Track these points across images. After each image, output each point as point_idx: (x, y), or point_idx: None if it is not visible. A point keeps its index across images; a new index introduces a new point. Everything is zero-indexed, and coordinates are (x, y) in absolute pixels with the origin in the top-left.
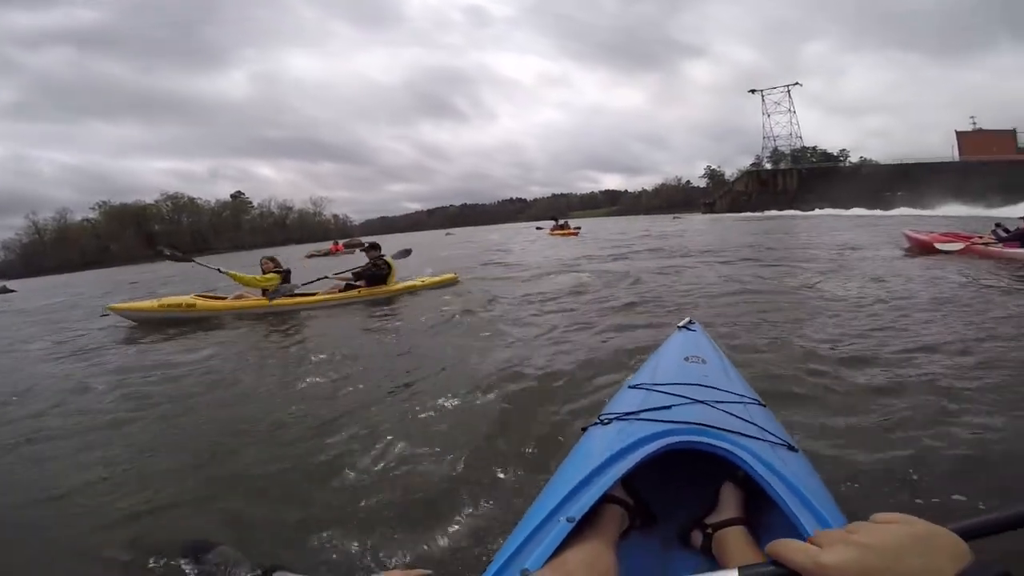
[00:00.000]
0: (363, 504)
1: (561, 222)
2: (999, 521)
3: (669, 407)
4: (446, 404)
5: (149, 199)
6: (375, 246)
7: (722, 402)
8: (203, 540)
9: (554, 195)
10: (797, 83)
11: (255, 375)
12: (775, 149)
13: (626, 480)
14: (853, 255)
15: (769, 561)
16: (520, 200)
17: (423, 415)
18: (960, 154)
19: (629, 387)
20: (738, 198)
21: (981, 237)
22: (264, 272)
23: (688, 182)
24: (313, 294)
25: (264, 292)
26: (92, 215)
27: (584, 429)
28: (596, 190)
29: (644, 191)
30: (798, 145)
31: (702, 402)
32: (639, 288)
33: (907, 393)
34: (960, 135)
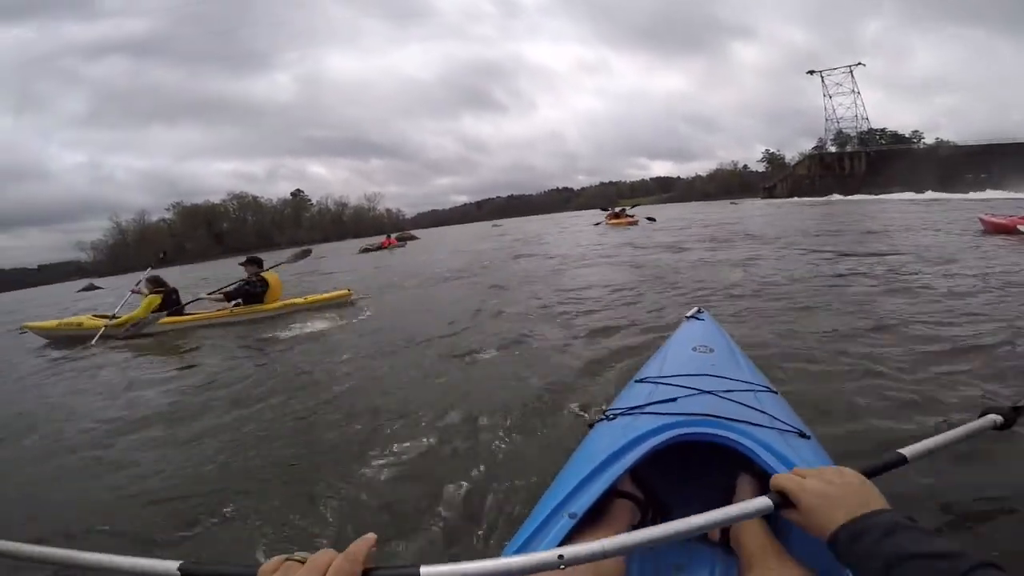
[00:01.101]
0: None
1: (617, 209)
2: (885, 463)
3: (675, 399)
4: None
5: (216, 199)
6: (254, 260)
7: (731, 391)
8: None
9: (602, 183)
10: (860, 63)
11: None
12: (839, 131)
13: (636, 474)
14: (924, 239)
15: (772, 490)
16: (567, 189)
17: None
18: None
19: (636, 381)
20: (800, 182)
21: None
22: (149, 293)
23: (745, 166)
24: (191, 315)
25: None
26: (168, 215)
27: (591, 425)
28: (646, 177)
29: (698, 176)
30: (864, 127)
31: (709, 392)
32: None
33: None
34: None
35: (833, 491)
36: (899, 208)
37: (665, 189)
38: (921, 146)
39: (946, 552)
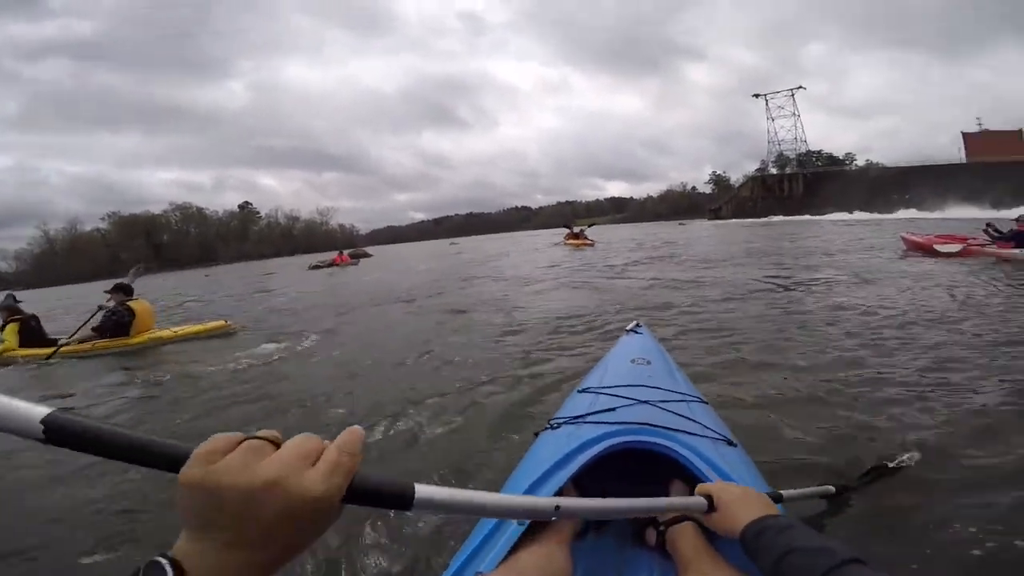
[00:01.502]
0: None
1: (577, 230)
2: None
3: (614, 409)
4: None
5: (157, 209)
6: (121, 288)
7: (666, 401)
8: None
9: (559, 203)
10: (801, 87)
11: None
12: (780, 154)
13: (579, 482)
14: (850, 259)
15: (700, 495)
16: (526, 208)
17: None
18: (967, 155)
19: (578, 391)
20: (744, 204)
21: (976, 239)
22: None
23: (694, 188)
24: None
25: None
26: (102, 225)
27: (536, 434)
28: (601, 197)
29: (650, 197)
30: (803, 149)
31: (646, 402)
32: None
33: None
34: (966, 136)
35: (743, 497)
36: (832, 228)
37: (619, 209)
38: (853, 168)
39: (825, 547)
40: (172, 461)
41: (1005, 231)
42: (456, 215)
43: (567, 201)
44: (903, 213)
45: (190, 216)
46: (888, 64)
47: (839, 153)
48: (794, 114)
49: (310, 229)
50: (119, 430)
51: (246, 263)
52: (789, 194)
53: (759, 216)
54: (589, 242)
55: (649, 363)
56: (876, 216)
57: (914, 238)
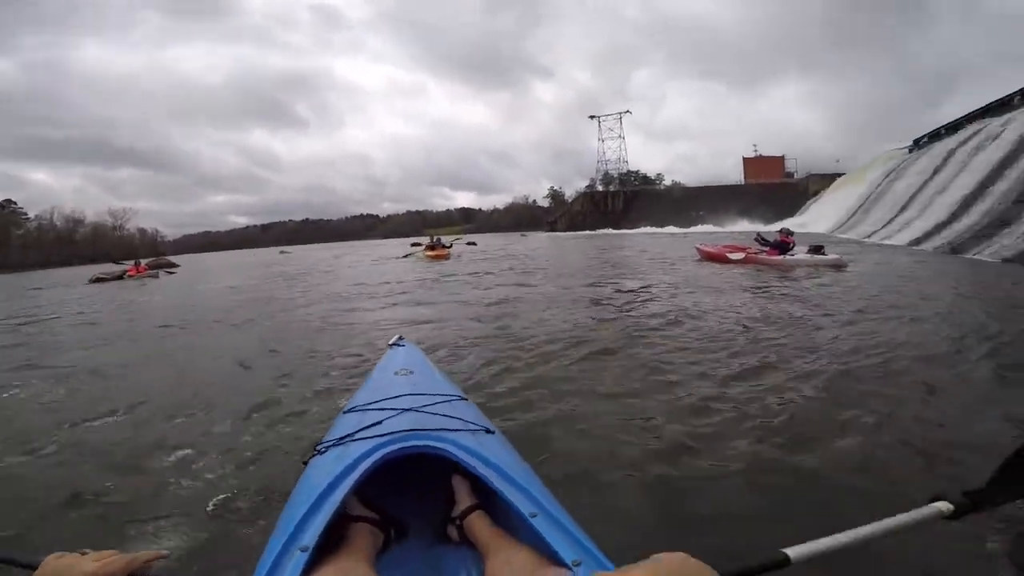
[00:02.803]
0: None
1: (436, 239)
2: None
3: (381, 422)
4: None
5: None
6: None
7: (429, 405)
8: None
9: (409, 212)
10: (628, 111)
11: None
12: (606, 173)
13: (366, 497)
14: (658, 264)
15: None
16: (372, 216)
17: None
18: (745, 177)
19: (344, 412)
20: (576, 218)
21: (751, 248)
22: None
23: (534, 201)
24: None
25: None
26: None
27: (305, 463)
28: (451, 207)
29: (496, 209)
30: (624, 169)
31: (411, 410)
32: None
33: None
34: (745, 160)
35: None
36: (646, 240)
37: (467, 220)
38: (662, 187)
39: None
40: None
41: (771, 240)
42: (290, 221)
43: (417, 211)
44: (702, 227)
45: None
46: (692, 93)
47: (652, 174)
48: (620, 136)
49: (99, 234)
50: None
51: (3, 275)
52: (612, 209)
53: (589, 229)
54: (445, 254)
55: (412, 372)
56: (681, 230)
57: (707, 249)
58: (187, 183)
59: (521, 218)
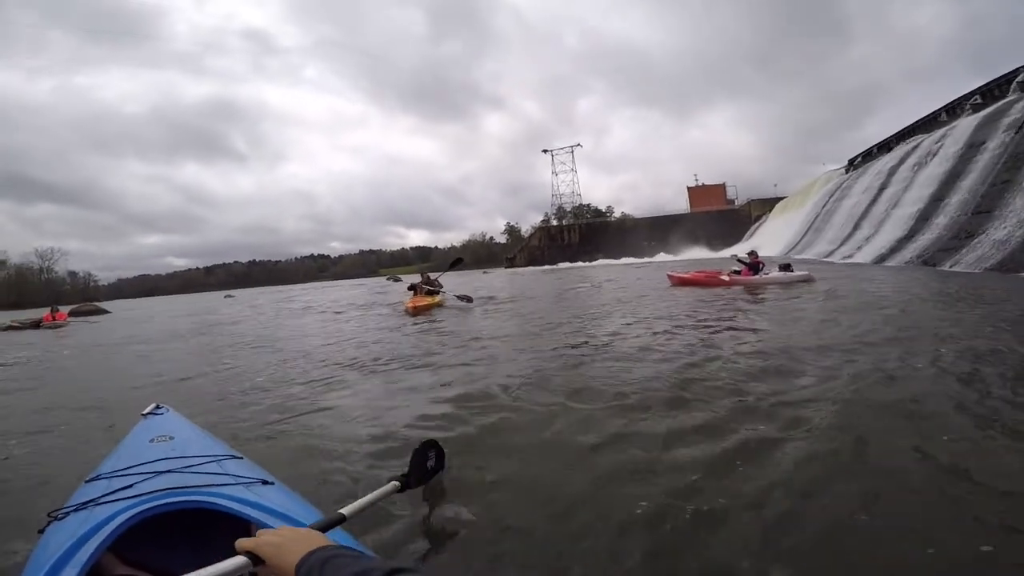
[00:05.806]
0: None
1: (425, 276)
2: (328, 521)
3: (132, 485)
4: None
5: None
6: None
7: (192, 466)
8: None
9: (362, 251)
10: (579, 144)
11: None
12: (560, 206)
13: (129, 558)
14: (636, 293)
15: (239, 552)
16: (323, 256)
17: None
18: (691, 206)
19: (87, 481)
20: (534, 252)
21: (722, 272)
22: None
23: (491, 238)
24: None
25: None
26: None
27: (41, 531)
28: (406, 246)
29: (453, 247)
30: (577, 202)
31: (169, 471)
32: None
33: None
34: (690, 189)
35: (283, 540)
36: (609, 271)
37: (424, 259)
38: (613, 219)
39: (369, 568)
40: None
41: (747, 261)
42: (236, 263)
43: (370, 250)
44: (661, 256)
45: None
46: (632, 122)
47: (602, 205)
48: (572, 169)
49: (23, 277)
50: None
51: None
52: (569, 243)
53: (548, 263)
54: (436, 302)
55: (172, 438)
56: (639, 260)
57: (679, 275)
58: (115, 221)
59: (479, 255)
